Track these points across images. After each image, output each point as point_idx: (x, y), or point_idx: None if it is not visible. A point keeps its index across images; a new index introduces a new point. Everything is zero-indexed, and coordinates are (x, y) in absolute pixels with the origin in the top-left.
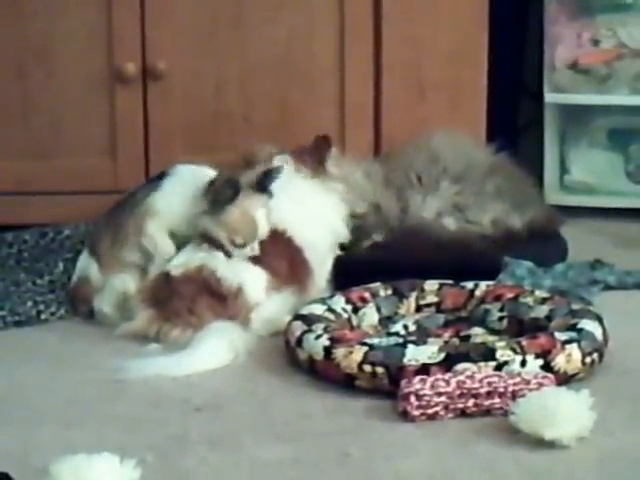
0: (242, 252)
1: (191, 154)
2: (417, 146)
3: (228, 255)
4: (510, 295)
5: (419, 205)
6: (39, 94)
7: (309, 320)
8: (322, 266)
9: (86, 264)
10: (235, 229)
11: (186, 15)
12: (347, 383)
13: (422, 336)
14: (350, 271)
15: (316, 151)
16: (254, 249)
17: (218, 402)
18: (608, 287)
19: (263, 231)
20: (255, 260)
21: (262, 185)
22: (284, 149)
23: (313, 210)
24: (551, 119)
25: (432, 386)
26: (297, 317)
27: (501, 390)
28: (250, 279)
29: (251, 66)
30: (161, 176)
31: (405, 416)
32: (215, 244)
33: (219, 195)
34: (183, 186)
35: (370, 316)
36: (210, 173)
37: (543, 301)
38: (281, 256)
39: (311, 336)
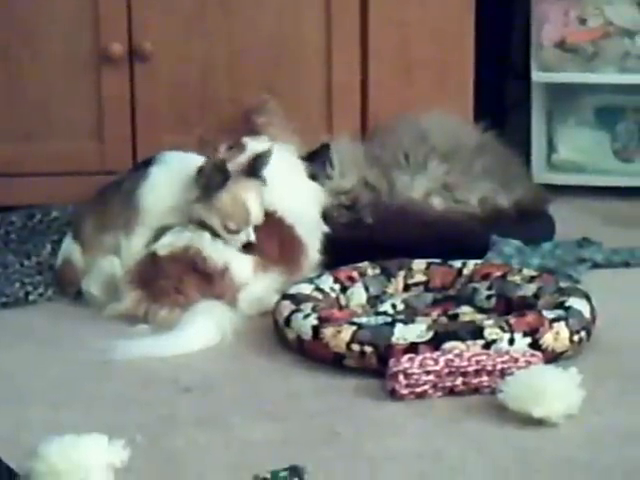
0: (236, 238)
1: (178, 135)
2: (405, 125)
3: (215, 235)
4: (498, 273)
5: (407, 185)
6: (25, 76)
7: (297, 300)
8: (314, 237)
9: (70, 248)
10: (227, 214)
11: None
12: (336, 362)
13: (410, 315)
14: (338, 250)
15: (265, 114)
16: (249, 235)
17: (207, 382)
18: (595, 265)
19: (257, 216)
20: (254, 247)
21: (253, 170)
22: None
23: (295, 182)
24: (538, 98)
25: (420, 365)
26: (285, 297)
27: (489, 368)
28: (236, 258)
29: (238, 47)
30: (148, 163)
31: (394, 395)
32: (210, 231)
33: (209, 181)
34: (171, 177)
35: (358, 295)
36: (197, 159)
37: (531, 279)
38: (271, 237)
39: (299, 315)
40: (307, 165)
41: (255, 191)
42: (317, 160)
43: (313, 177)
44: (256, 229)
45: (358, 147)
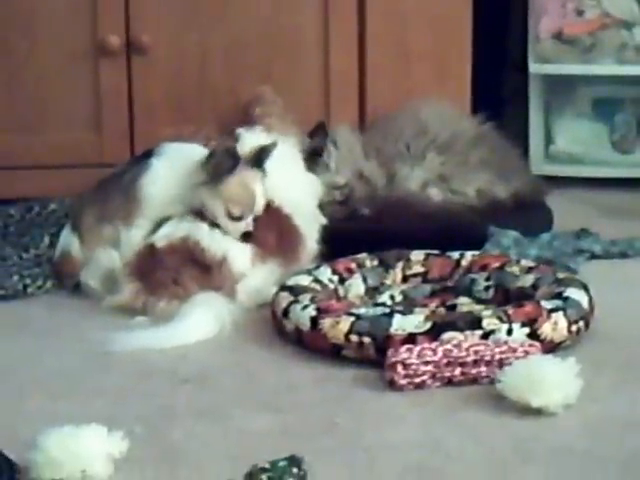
0: (237, 227)
1: (176, 126)
2: (405, 116)
3: (213, 224)
4: (496, 264)
5: (406, 175)
6: (23, 68)
7: (295, 291)
8: (311, 228)
9: (68, 240)
10: (233, 200)
11: None
12: (334, 353)
13: (408, 306)
14: (336, 242)
15: (272, 105)
16: (249, 224)
17: (205, 374)
18: (593, 256)
19: (260, 206)
20: (252, 237)
21: (258, 160)
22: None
23: (292, 173)
24: (536, 90)
25: (419, 355)
26: (283, 288)
27: (488, 358)
28: (234, 249)
29: (236, 38)
30: (148, 154)
31: (392, 385)
32: (200, 213)
33: (219, 165)
34: (172, 169)
35: (356, 287)
36: (198, 149)
37: (529, 270)
38: (269, 227)
39: (298, 307)
40: (307, 144)
41: (260, 181)
42: (314, 140)
43: (314, 154)
44: (255, 220)
45: (356, 138)
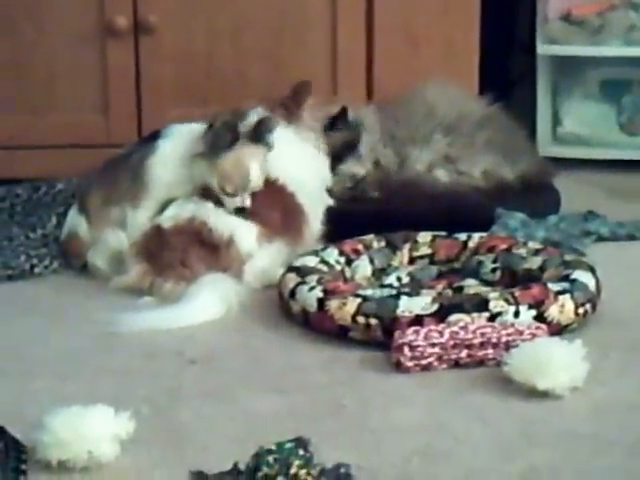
0: (232, 201)
1: (183, 108)
2: (413, 99)
3: (219, 203)
4: (503, 246)
5: (415, 158)
6: (30, 49)
7: (302, 272)
8: (316, 207)
9: (75, 220)
10: (227, 177)
11: None
12: (341, 335)
13: (415, 287)
14: (343, 223)
15: (292, 98)
16: (244, 201)
17: (212, 354)
18: (601, 238)
19: (256, 182)
20: (247, 212)
21: (257, 135)
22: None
23: (299, 153)
24: (544, 71)
25: (425, 337)
26: (290, 269)
27: (494, 341)
28: (241, 229)
29: (243, 19)
30: (155, 136)
31: (399, 367)
32: (206, 193)
33: (217, 139)
34: (178, 150)
35: (363, 268)
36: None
37: (536, 252)
38: (274, 206)
39: (304, 288)
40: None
41: (259, 157)
42: (337, 125)
43: (350, 143)
44: (257, 198)
45: (377, 121)
